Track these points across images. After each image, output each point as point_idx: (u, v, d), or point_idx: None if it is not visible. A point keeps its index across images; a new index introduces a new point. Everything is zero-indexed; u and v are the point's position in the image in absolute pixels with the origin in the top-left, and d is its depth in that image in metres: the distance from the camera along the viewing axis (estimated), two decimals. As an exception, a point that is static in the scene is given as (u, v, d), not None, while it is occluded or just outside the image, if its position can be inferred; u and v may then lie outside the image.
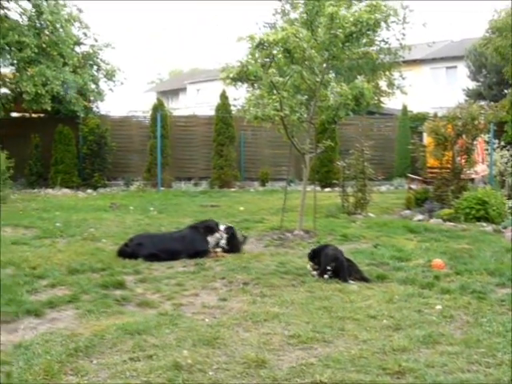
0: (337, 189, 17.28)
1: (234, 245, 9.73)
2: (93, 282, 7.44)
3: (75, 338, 5.37)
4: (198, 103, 55.04)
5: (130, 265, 8.59)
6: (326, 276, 7.72)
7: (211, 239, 9.59)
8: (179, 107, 55.79)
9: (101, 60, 25.23)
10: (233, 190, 23.03)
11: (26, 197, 19.17)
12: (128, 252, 9.16)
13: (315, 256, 8.16)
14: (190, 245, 9.43)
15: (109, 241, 10.68)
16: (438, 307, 6.46)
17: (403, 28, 28.16)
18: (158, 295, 7.02)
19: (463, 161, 15.52)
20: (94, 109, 25.56)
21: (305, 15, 11.40)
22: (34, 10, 22.02)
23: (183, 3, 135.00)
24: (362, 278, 7.80)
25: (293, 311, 6.31)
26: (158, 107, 24.10)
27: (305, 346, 5.27)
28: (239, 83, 10.90)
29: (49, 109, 21.81)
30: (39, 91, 20.79)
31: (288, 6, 30.11)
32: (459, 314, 6.29)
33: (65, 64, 22.37)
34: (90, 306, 6.39)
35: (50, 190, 21.74)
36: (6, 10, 22.75)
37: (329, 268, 7.74)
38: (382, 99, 31.41)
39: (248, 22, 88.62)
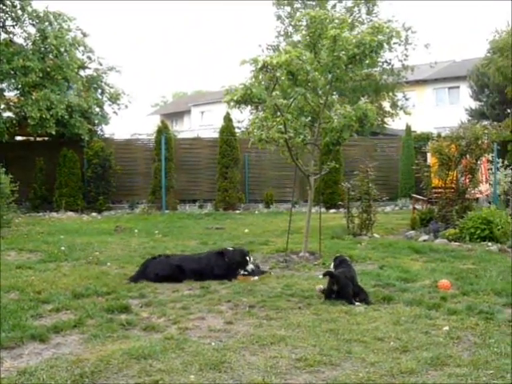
0: (342, 210, 17.29)
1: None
2: (98, 307, 7.40)
3: (80, 363, 5.34)
4: (202, 126, 55.27)
5: (136, 288, 8.56)
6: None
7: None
8: (183, 130, 55.97)
9: (105, 83, 25.39)
10: (237, 212, 23.03)
11: (30, 220, 19.19)
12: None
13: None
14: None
15: (114, 264, 10.65)
16: (445, 328, 6.41)
17: (406, 49, 28.39)
18: (164, 319, 6.97)
19: (467, 180, 15.51)
20: (99, 132, 25.70)
21: (308, 37, 11.44)
22: (38, 35, 22.24)
23: (186, 24, 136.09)
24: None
25: (299, 334, 6.26)
26: (163, 130, 24.19)
27: (312, 370, 5.22)
28: (243, 106, 10.92)
29: (53, 132, 21.89)
30: (44, 115, 20.91)
31: (291, 29, 30.40)
32: (466, 335, 6.25)
33: (69, 88, 22.52)
34: (95, 331, 6.35)
35: (54, 214, 21.78)
36: (10, 35, 22.98)
37: (333, 289, 7.75)
38: (385, 120, 31.56)
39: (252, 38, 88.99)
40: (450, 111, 41.86)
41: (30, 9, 22.31)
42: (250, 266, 9.65)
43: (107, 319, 6.85)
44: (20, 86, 21.75)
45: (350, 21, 12.67)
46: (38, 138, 25.90)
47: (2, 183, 15.09)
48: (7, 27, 23.04)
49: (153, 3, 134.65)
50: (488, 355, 5.53)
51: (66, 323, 6.64)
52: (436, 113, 44.62)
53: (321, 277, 8.33)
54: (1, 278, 9.10)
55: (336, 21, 11.40)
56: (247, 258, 9.66)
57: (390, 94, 31.18)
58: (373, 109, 11.51)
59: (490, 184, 19.32)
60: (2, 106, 22.77)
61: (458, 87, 44.96)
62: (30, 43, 22.53)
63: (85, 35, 24.41)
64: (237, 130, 25.39)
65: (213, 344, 5.95)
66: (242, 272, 9.53)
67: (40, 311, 7.21)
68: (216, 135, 25.96)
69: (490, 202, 18.78)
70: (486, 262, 10.51)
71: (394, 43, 11.72)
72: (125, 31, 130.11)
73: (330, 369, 5.25)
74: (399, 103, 31.90)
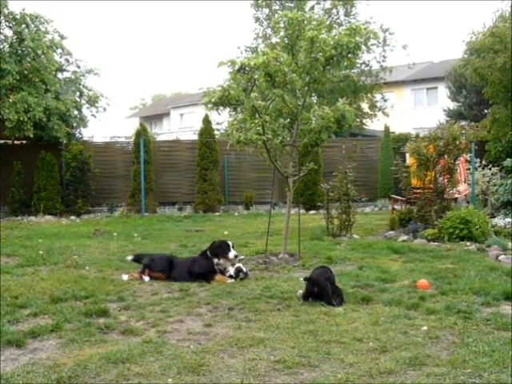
0: (321, 211, 17.29)
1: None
2: (76, 311, 7.34)
3: (58, 368, 5.28)
4: (181, 128, 55.06)
5: (114, 292, 8.51)
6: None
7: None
8: (162, 132, 55.77)
9: (83, 86, 25.23)
10: (217, 214, 22.99)
11: (8, 224, 19.02)
12: None
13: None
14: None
15: (92, 268, 10.58)
16: (424, 328, 6.44)
17: (384, 50, 28.50)
18: (142, 322, 6.93)
19: (446, 181, 15.61)
20: (77, 135, 25.50)
21: (285, 39, 11.44)
22: (15, 37, 22.02)
23: (165, 27, 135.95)
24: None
25: (278, 336, 6.25)
26: (141, 132, 24.09)
27: (291, 371, 5.21)
28: (221, 108, 10.89)
29: (31, 135, 21.69)
30: (21, 118, 20.72)
31: (269, 31, 30.42)
32: (445, 334, 6.27)
33: (47, 90, 22.34)
34: (72, 335, 6.29)
35: (32, 218, 21.58)
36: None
37: (312, 292, 7.74)
38: (364, 121, 31.69)
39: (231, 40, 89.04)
40: (428, 112, 42.18)
41: (6, 11, 22.08)
42: (233, 253, 9.68)
43: (85, 323, 6.79)
44: (-3, 88, 21.54)
45: (328, 22, 12.69)
46: (15, 141, 25.61)
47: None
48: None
49: (132, 6, 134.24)
50: (466, 354, 5.55)
51: (43, 328, 6.57)
52: (414, 113, 44.95)
53: (301, 279, 8.31)
54: (-23, 283, 9.01)
55: (313, 22, 11.40)
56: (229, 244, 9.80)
57: (369, 95, 31.33)
58: (351, 110, 11.53)
59: (468, 184, 19.46)
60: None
61: (436, 88, 45.28)
62: (6, 45, 22.27)
63: (62, 37, 24.25)
64: (216, 132, 25.37)
65: (191, 347, 5.92)
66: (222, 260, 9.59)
67: (17, 316, 7.12)
68: (195, 137, 25.93)
69: (468, 202, 18.90)
70: (465, 262, 10.57)
71: (372, 44, 11.71)
72: (104, 34, 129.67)
73: (309, 370, 5.25)
74: (378, 104, 32.09)
